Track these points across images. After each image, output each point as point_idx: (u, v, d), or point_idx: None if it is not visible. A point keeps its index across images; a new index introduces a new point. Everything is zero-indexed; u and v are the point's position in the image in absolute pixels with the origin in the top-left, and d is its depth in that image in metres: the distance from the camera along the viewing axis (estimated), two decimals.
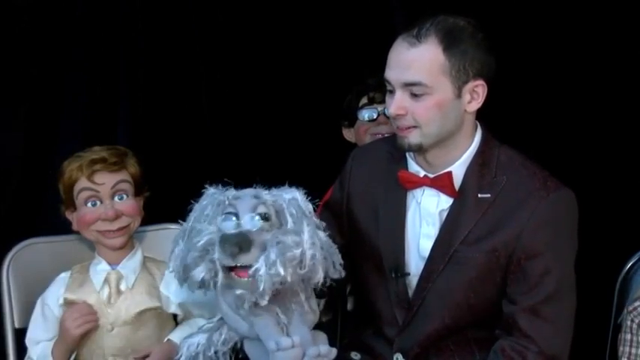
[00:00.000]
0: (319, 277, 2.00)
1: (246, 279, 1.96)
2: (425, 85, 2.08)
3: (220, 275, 1.98)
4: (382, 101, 2.88)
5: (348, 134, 2.97)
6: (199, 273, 1.99)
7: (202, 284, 2.02)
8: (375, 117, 2.87)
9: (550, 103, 3.22)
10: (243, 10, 3.18)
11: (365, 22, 3.26)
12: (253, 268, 1.93)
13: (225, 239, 1.95)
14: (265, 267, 1.92)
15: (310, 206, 2.04)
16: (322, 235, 2.02)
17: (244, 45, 3.18)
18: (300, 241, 1.97)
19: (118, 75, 3.04)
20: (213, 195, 2.06)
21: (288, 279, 1.94)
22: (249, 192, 2.05)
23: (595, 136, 3.21)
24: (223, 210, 2.02)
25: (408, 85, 2.10)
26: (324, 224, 2.05)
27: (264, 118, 3.22)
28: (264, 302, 1.96)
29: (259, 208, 2.01)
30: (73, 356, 2.42)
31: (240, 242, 1.94)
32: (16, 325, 2.55)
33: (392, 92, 2.14)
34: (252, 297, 1.96)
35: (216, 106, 3.17)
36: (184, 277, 2.02)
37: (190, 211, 2.07)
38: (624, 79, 3.17)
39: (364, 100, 2.90)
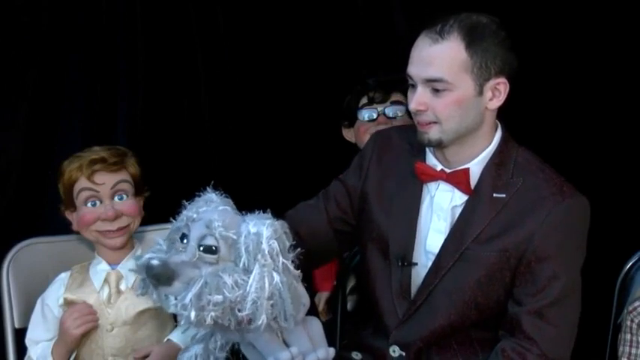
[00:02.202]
0: (261, 323, 1.88)
1: None
2: (446, 82, 2.09)
3: (154, 295, 1.94)
4: (382, 101, 2.88)
5: (348, 134, 2.97)
6: (138, 288, 1.97)
7: None
8: (374, 117, 2.87)
9: (551, 105, 3.23)
10: (243, 10, 3.18)
11: (365, 22, 3.26)
12: (173, 302, 1.89)
13: (147, 269, 1.90)
14: (180, 308, 1.86)
15: (276, 245, 1.90)
16: (278, 279, 1.89)
17: (244, 45, 3.18)
18: (243, 282, 1.87)
19: (118, 75, 3.04)
20: (206, 198, 2.01)
21: (208, 321, 1.86)
22: (205, 219, 1.94)
23: (595, 137, 3.21)
24: (180, 228, 1.97)
25: (429, 81, 2.10)
26: (298, 273, 1.96)
27: (264, 118, 3.22)
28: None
29: (206, 240, 1.91)
30: (72, 356, 2.42)
31: (159, 275, 1.88)
32: (16, 325, 2.54)
33: (414, 87, 2.14)
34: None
35: (216, 106, 3.17)
36: None
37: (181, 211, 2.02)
38: (624, 81, 3.18)
39: (364, 100, 2.90)
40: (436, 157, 2.22)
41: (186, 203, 2.00)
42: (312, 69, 3.22)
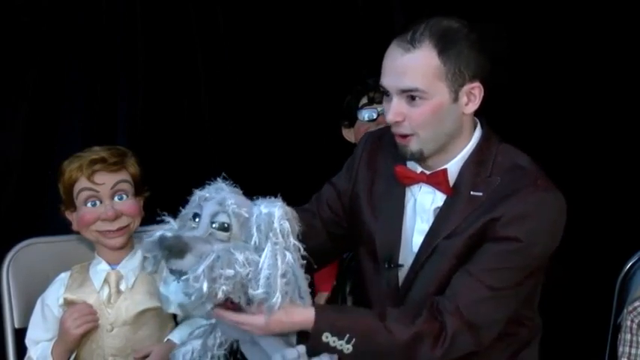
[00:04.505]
0: (276, 301, 1.89)
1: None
2: (421, 91, 2.07)
3: (164, 273, 1.95)
4: (382, 101, 2.88)
5: (348, 134, 2.97)
6: (148, 265, 1.97)
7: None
8: (374, 117, 2.87)
9: (553, 104, 3.23)
10: (243, 10, 3.18)
11: (365, 22, 3.26)
12: (184, 277, 1.88)
13: (160, 240, 1.90)
14: (192, 279, 1.86)
15: (287, 226, 1.93)
16: (290, 257, 1.92)
17: (244, 45, 3.19)
18: (254, 260, 1.89)
19: (118, 75, 3.04)
20: (216, 187, 2.02)
21: (219, 295, 1.87)
22: (218, 197, 1.97)
23: (595, 137, 3.21)
24: (193, 208, 1.98)
25: (404, 91, 2.09)
26: (303, 246, 1.97)
27: (264, 118, 3.22)
28: (205, 310, 1.92)
29: (219, 217, 1.93)
30: (72, 356, 2.42)
31: (172, 247, 1.88)
32: (16, 325, 2.55)
33: (389, 97, 2.13)
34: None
35: (216, 106, 3.17)
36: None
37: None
38: (625, 80, 3.18)
39: (364, 100, 2.90)
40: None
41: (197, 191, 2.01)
42: (312, 69, 3.23)
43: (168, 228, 1.97)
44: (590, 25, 3.18)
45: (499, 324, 2.13)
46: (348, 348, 2.04)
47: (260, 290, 1.89)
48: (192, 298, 1.88)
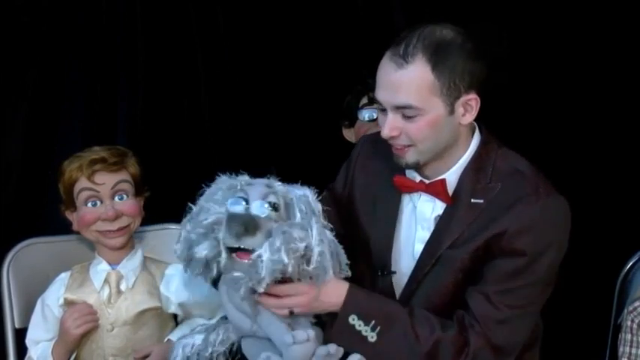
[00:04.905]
0: (328, 275, 1.99)
1: (246, 262, 1.94)
2: (416, 108, 2.05)
3: (223, 255, 1.96)
4: None
5: (348, 134, 2.97)
6: (202, 250, 1.97)
7: (205, 267, 1.99)
8: (375, 117, 2.87)
9: (551, 104, 3.23)
10: (243, 10, 3.18)
11: (365, 22, 3.26)
12: (256, 253, 1.92)
13: (232, 218, 1.94)
14: (269, 252, 1.90)
15: (320, 206, 2.02)
16: (329, 234, 2.01)
17: (244, 45, 3.18)
18: (305, 236, 1.95)
19: (118, 75, 3.04)
20: (224, 180, 2.05)
21: (289, 269, 1.92)
22: (261, 180, 2.04)
23: (596, 137, 3.21)
24: (234, 194, 2.01)
25: (399, 107, 2.07)
26: (331, 225, 2.03)
27: (264, 118, 3.22)
28: (261, 289, 1.94)
29: (270, 197, 1.99)
30: (73, 356, 2.42)
31: (247, 223, 1.93)
32: (16, 325, 2.55)
33: (384, 111, 2.12)
34: (249, 282, 1.94)
35: (216, 106, 3.17)
36: (188, 255, 2.00)
37: (201, 194, 2.05)
38: (625, 80, 3.18)
39: (364, 100, 2.91)
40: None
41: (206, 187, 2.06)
42: (313, 69, 3.22)
43: (217, 212, 2.00)
44: (589, 26, 3.18)
45: (521, 341, 2.13)
46: (372, 336, 2.06)
47: (313, 266, 1.96)
48: (264, 273, 1.91)
